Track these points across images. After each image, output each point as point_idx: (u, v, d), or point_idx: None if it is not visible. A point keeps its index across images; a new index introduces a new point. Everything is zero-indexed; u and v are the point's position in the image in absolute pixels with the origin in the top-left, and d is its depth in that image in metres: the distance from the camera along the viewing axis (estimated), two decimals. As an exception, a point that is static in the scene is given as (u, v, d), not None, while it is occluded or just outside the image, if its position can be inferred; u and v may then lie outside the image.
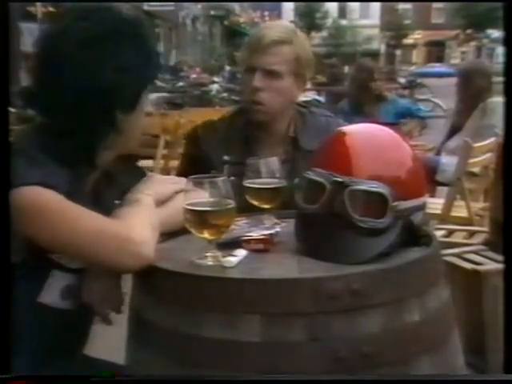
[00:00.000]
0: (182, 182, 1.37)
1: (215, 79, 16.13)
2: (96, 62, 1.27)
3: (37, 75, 1.33)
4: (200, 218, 1.23)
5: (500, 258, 2.42)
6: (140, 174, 1.50)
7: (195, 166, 1.87)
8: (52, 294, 1.32)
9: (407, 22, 52.48)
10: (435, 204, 3.59)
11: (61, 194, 1.23)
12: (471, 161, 3.54)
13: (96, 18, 1.31)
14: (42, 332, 1.33)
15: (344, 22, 49.42)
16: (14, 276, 1.22)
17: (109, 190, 1.43)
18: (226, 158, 1.90)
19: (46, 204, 1.21)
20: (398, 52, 54.46)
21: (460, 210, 3.61)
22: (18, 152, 1.25)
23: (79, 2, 1.44)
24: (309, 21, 45.99)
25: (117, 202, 1.37)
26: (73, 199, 1.24)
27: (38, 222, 1.21)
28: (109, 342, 1.75)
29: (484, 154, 3.66)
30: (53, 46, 1.30)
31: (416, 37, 55.16)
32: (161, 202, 1.39)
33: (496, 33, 37.84)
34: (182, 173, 1.91)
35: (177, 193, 1.40)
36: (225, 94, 13.06)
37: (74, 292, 1.34)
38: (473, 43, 48.44)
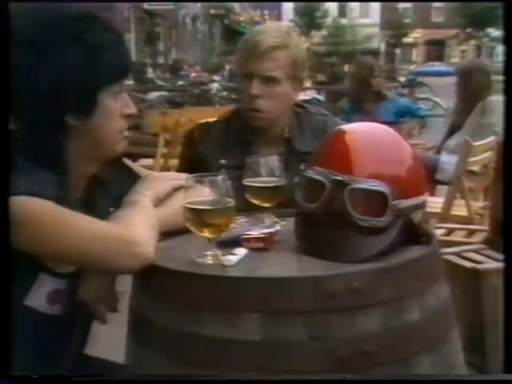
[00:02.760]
0: (180, 176, 1.36)
1: (215, 78, 16.12)
2: (36, 63, 1.20)
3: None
4: (200, 217, 1.23)
5: (500, 256, 2.42)
6: (132, 178, 1.45)
7: (192, 168, 1.87)
8: (38, 297, 1.27)
9: (407, 20, 52.51)
10: (435, 203, 3.59)
11: (50, 201, 1.18)
12: (471, 159, 3.54)
13: (35, 17, 1.23)
14: (31, 335, 1.28)
15: (344, 21, 49.42)
16: None
17: (100, 196, 1.39)
18: (222, 161, 1.90)
19: (38, 214, 1.17)
20: (398, 51, 54.47)
21: (460, 209, 3.61)
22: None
23: (50, 3, 1.37)
24: (308, 19, 46.00)
25: (111, 209, 1.33)
26: (62, 205, 1.20)
27: (33, 232, 1.16)
28: (109, 341, 1.75)
29: (484, 152, 3.66)
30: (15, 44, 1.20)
31: (416, 35, 55.18)
32: (160, 201, 1.38)
33: (496, 32, 37.84)
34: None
35: (176, 189, 1.39)
36: (225, 93, 13.05)
37: (63, 297, 1.30)
38: (473, 42, 48.47)
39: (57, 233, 1.19)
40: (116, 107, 1.29)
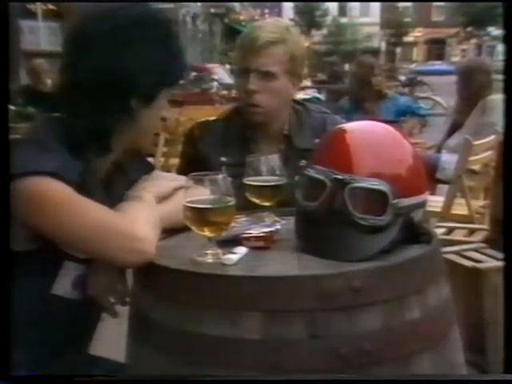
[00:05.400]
0: (182, 179, 1.37)
1: (215, 77, 16.11)
2: (122, 48, 1.30)
3: (65, 60, 1.36)
4: (200, 216, 1.23)
5: (500, 255, 2.42)
6: (149, 167, 1.53)
7: (193, 167, 1.88)
8: (64, 284, 1.33)
9: (407, 19, 52.51)
10: (435, 202, 3.59)
11: (71, 185, 1.24)
12: (471, 158, 3.54)
13: (133, 9, 1.36)
14: (51, 323, 1.34)
15: (344, 20, 49.44)
16: (25, 267, 1.24)
17: (119, 182, 1.44)
18: (223, 159, 1.90)
19: (54, 196, 1.22)
20: (398, 50, 54.45)
21: (460, 208, 3.61)
22: (32, 141, 1.28)
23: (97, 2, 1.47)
24: (309, 18, 45.99)
25: (126, 192, 1.39)
26: (84, 189, 1.26)
27: (44, 212, 1.22)
28: (110, 340, 1.75)
29: (484, 151, 3.66)
30: (86, 30, 1.33)
31: (416, 34, 55.15)
32: (161, 199, 1.39)
33: (496, 30, 37.82)
34: (181, 174, 1.91)
35: (177, 190, 1.41)
36: (225, 92, 13.06)
37: (83, 282, 1.35)
38: (473, 41, 48.43)
39: (66, 216, 1.23)
40: (164, 106, 1.41)
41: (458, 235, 3.29)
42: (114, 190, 1.41)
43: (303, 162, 1.76)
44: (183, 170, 1.90)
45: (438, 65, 39.58)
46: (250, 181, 1.53)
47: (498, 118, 3.79)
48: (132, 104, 1.34)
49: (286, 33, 1.89)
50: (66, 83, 1.35)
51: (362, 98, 4.81)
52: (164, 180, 1.45)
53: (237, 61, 1.93)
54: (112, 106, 1.31)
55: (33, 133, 1.36)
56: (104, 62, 1.29)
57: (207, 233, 1.24)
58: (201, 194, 1.24)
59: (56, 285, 1.32)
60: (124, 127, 1.35)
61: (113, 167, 1.43)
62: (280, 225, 1.47)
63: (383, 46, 53.06)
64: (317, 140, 1.81)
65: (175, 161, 4.55)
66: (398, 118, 4.73)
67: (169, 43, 1.38)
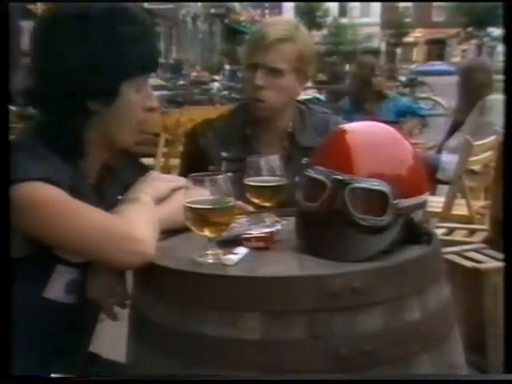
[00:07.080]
0: (180, 180, 1.37)
1: (215, 77, 16.17)
2: (70, 47, 1.26)
3: (32, 63, 1.34)
4: (200, 216, 1.23)
5: (500, 256, 2.42)
6: (142, 170, 1.51)
7: (194, 163, 1.89)
8: (57, 288, 1.32)
9: (408, 20, 52.57)
10: (436, 202, 3.59)
11: (65, 189, 1.23)
12: (472, 159, 3.54)
13: (73, 5, 1.31)
14: (47, 328, 1.34)
15: (344, 20, 49.50)
16: (18, 272, 1.22)
17: (112, 185, 1.43)
18: (224, 154, 1.91)
19: (50, 201, 1.21)
20: (399, 50, 54.48)
21: (461, 208, 3.61)
22: (23, 147, 1.26)
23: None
24: (309, 19, 46.01)
25: (119, 197, 1.37)
26: (76, 193, 1.25)
27: (40, 217, 1.21)
28: (110, 340, 1.75)
29: (484, 152, 3.66)
30: (44, 31, 1.32)
31: (416, 35, 55.18)
32: (159, 201, 1.39)
33: (497, 31, 37.83)
34: (182, 171, 1.92)
35: (174, 190, 1.40)
36: (225, 92, 13.09)
37: (78, 286, 1.34)
38: (473, 41, 48.44)
39: (63, 221, 1.22)
40: (137, 99, 1.34)
41: (458, 236, 3.29)
42: (105, 193, 1.40)
43: (306, 160, 1.77)
44: (185, 169, 1.91)
45: (438, 65, 39.59)
46: (250, 181, 1.53)
47: (496, 118, 3.79)
48: (89, 105, 1.30)
49: (296, 31, 1.91)
50: (32, 84, 1.33)
51: (363, 99, 4.81)
52: (161, 181, 1.44)
53: (245, 56, 1.96)
54: (70, 109, 1.29)
55: (21, 138, 1.34)
56: (58, 64, 1.27)
57: (207, 233, 1.24)
58: (201, 195, 1.24)
59: (48, 289, 1.31)
60: (90, 130, 1.33)
61: (104, 170, 1.42)
62: (280, 225, 1.47)
63: (383, 46, 53.08)
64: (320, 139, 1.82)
65: (176, 161, 4.56)
66: (398, 118, 4.73)
67: (115, 31, 1.28)
